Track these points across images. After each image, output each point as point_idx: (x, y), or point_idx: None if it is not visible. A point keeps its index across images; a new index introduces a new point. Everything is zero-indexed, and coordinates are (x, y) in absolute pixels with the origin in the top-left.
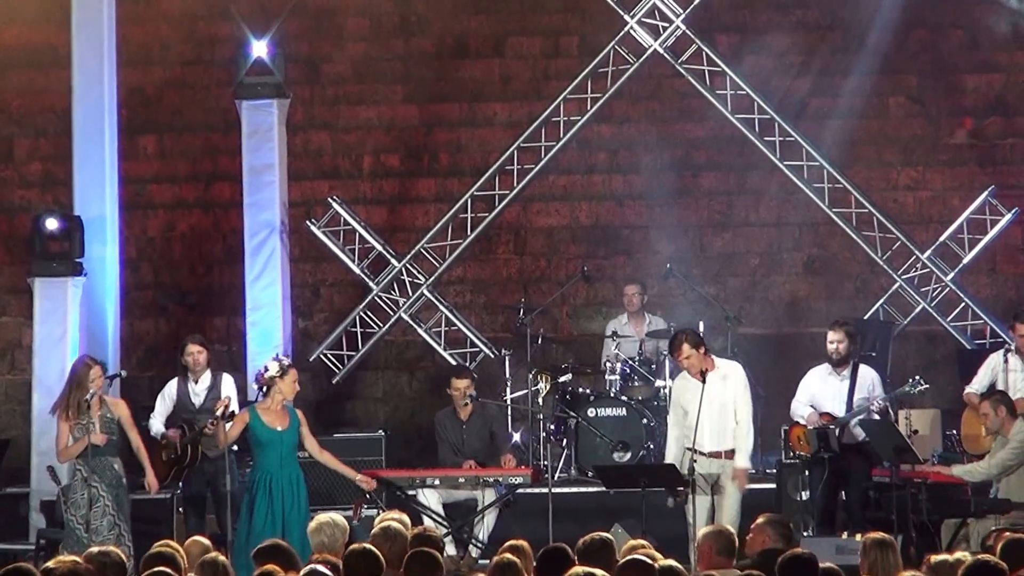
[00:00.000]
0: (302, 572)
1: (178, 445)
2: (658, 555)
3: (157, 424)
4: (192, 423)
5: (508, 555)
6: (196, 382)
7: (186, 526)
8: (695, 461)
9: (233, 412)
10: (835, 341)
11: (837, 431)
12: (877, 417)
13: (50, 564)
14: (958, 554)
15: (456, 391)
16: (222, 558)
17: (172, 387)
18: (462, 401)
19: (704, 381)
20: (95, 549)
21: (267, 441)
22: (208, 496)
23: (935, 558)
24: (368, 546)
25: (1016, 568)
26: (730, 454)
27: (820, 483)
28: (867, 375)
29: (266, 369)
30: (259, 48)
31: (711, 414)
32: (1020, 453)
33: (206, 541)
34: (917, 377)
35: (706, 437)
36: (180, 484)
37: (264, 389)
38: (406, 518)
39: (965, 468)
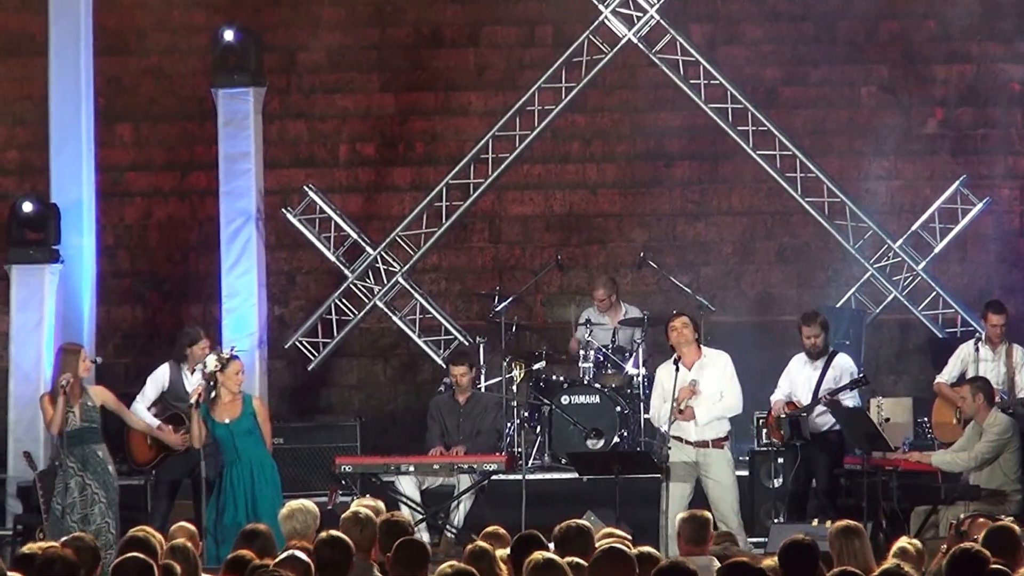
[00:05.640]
0: (280, 557)
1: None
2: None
3: (142, 410)
4: (187, 414)
5: (481, 543)
6: (192, 372)
7: (152, 510)
8: (670, 448)
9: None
10: (811, 336)
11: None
12: (821, 410)
13: (26, 550)
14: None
15: (456, 377)
16: (190, 544)
17: (164, 373)
18: (464, 387)
19: (677, 369)
20: (68, 536)
21: (218, 436)
22: (185, 482)
23: (907, 545)
24: (337, 533)
25: (995, 556)
26: (717, 443)
27: (791, 470)
28: (840, 364)
29: (204, 365)
30: (232, 36)
31: (697, 402)
32: (997, 446)
33: (191, 527)
34: (861, 374)
35: (691, 426)
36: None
37: (211, 384)
38: (380, 504)
39: (946, 460)
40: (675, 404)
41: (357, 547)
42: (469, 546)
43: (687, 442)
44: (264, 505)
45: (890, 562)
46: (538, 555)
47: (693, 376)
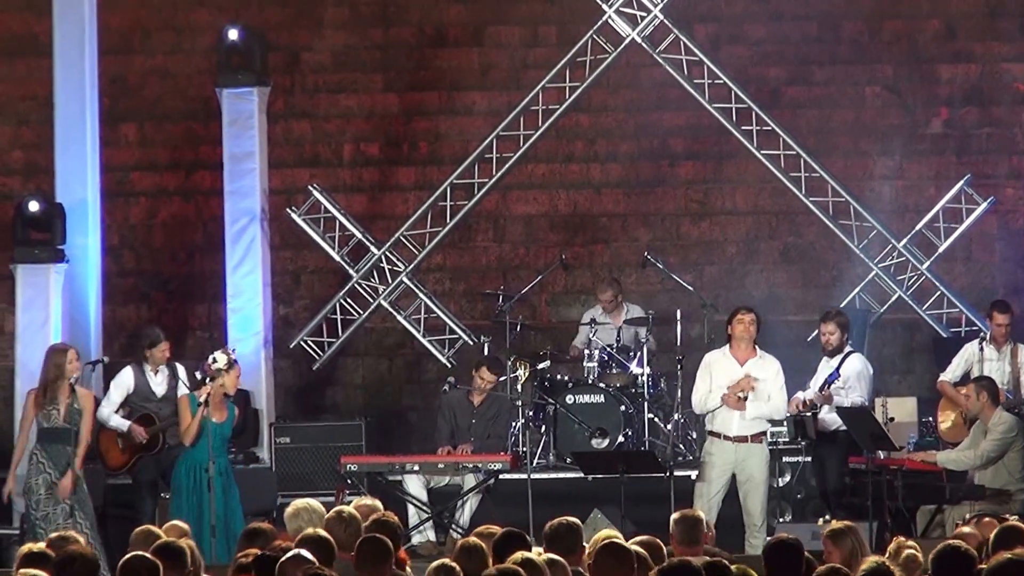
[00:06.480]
0: (287, 555)
1: (146, 437)
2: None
3: (109, 414)
4: (157, 414)
5: (473, 539)
6: (156, 373)
7: (138, 513)
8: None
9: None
10: (827, 333)
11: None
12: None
13: (36, 551)
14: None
15: (482, 380)
16: (174, 543)
17: (128, 376)
18: (484, 390)
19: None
20: (55, 535)
21: (202, 431)
22: (160, 482)
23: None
24: (321, 532)
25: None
26: (756, 438)
27: (798, 470)
28: (849, 367)
29: (214, 360)
30: (237, 36)
31: (750, 396)
32: (1002, 444)
33: (184, 525)
34: (835, 378)
35: (734, 421)
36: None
37: (208, 379)
38: (377, 503)
39: (951, 458)
40: (732, 391)
41: (342, 546)
42: (460, 542)
43: (726, 437)
44: (233, 506)
45: (874, 560)
46: (517, 555)
47: (747, 372)
